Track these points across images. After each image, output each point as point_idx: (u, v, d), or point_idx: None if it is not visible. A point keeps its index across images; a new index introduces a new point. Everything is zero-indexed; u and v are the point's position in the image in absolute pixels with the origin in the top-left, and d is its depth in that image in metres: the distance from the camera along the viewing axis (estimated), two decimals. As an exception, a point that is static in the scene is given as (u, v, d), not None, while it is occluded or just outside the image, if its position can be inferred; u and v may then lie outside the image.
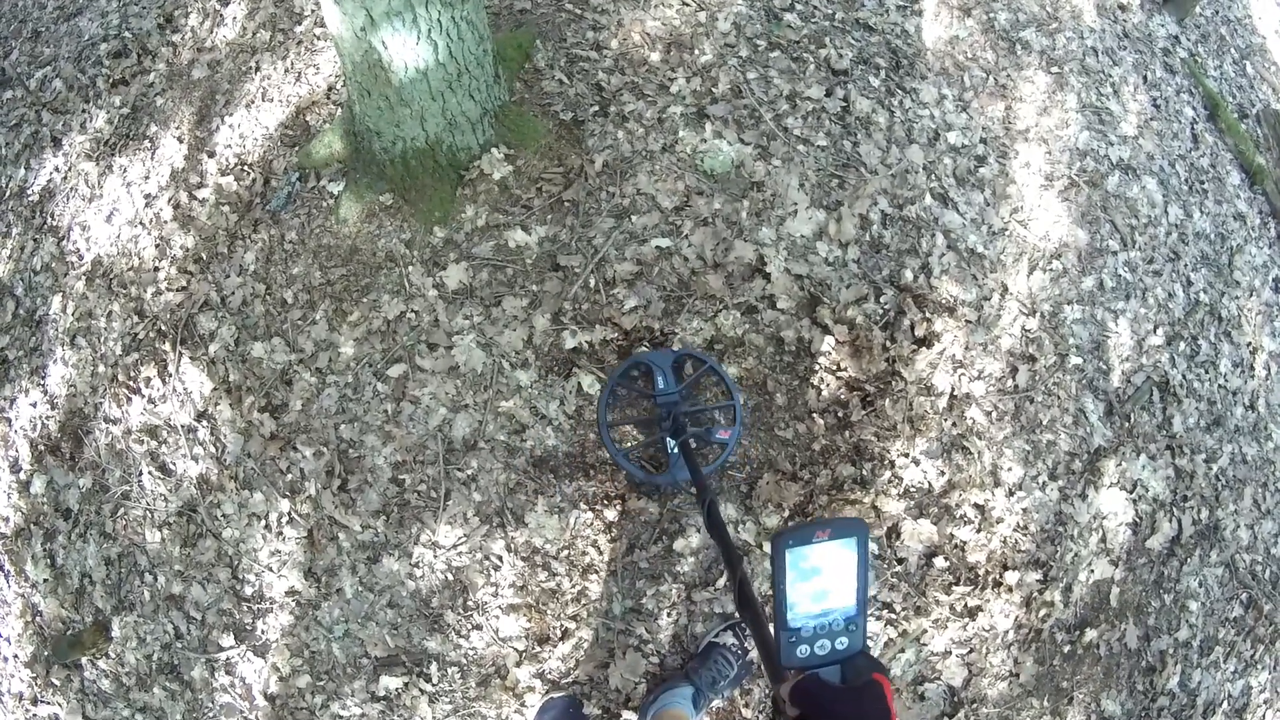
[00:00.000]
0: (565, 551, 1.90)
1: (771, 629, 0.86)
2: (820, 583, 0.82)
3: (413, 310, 1.98)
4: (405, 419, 1.96)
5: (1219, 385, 2.50)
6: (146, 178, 2.36)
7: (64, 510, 2.28)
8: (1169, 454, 2.34)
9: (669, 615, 1.90)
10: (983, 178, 2.28)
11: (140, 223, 2.31)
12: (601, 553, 1.90)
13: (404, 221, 2.02)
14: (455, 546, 1.92)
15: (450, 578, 1.93)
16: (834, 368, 1.97)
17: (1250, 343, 2.62)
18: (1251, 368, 2.61)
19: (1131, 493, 2.26)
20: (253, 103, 2.30)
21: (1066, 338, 2.24)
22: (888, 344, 2.00)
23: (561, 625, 1.90)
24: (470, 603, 1.92)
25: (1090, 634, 2.18)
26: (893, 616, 1.97)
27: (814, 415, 1.95)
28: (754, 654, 1.88)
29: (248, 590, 2.06)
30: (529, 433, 1.92)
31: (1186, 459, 2.37)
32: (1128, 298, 2.38)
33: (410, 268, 2.00)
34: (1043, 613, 2.12)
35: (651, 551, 1.89)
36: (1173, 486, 2.34)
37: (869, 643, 0.82)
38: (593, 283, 1.95)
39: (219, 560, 2.08)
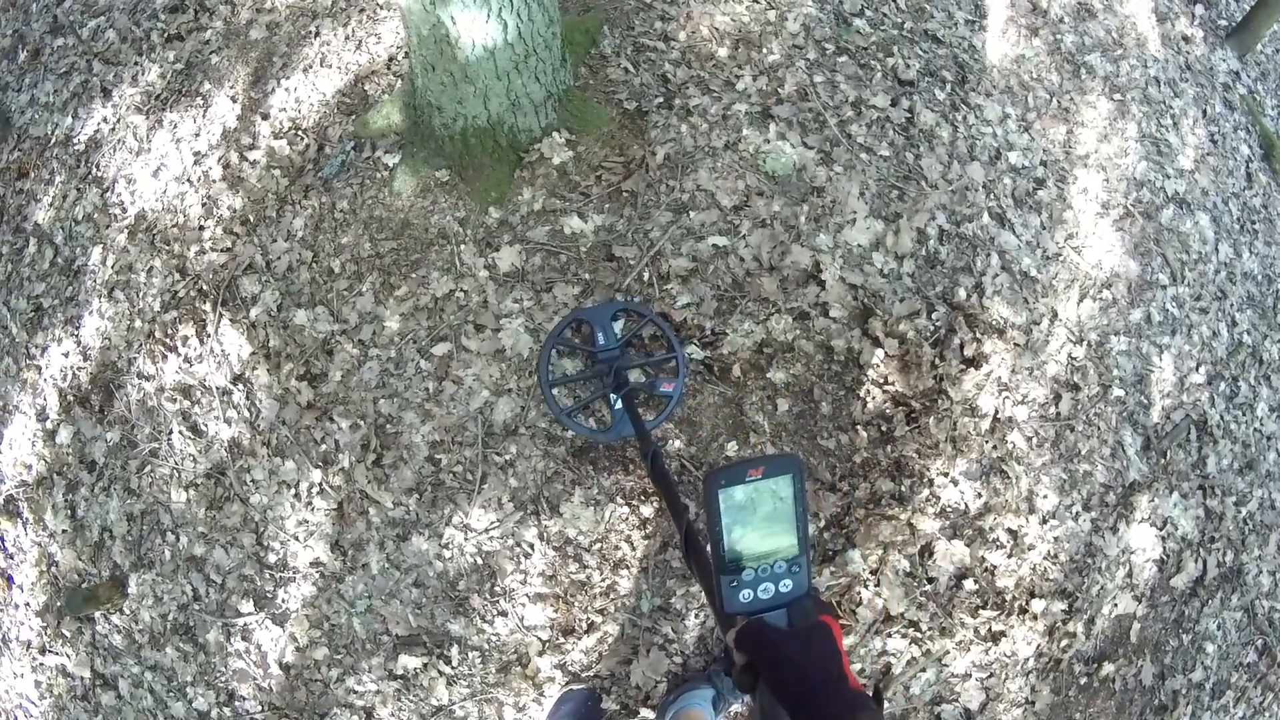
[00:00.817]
0: (598, 544, 1.89)
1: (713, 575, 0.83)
2: (757, 524, 0.78)
3: (462, 289, 1.96)
4: (446, 399, 1.94)
5: (1255, 429, 2.49)
6: (197, 135, 2.33)
7: (89, 462, 2.27)
8: (1201, 494, 2.33)
9: (696, 616, 1.89)
10: (1040, 200, 2.26)
11: (188, 180, 2.28)
12: (634, 548, 1.89)
13: (459, 199, 2.00)
14: (487, 531, 1.91)
15: (479, 561, 1.92)
16: (881, 381, 1.95)
17: (1288, 388, 2.61)
18: (1288, 413, 2.60)
19: (1161, 530, 2.25)
20: (311, 67, 2.27)
21: (1111, 369, 2.22)
22: (937, 361, 1.98)
23: (588, 618, 1.89)
24: (498, 588, 1.91)
25: (1108, 668, 2.17)
26: (918, 635, 1.96)
27: (858, 427, 1.94)
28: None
29: (271, 558, 2.05)
30: (571, 422, 1.90)
31: (1217, 500, 2.35)
32: (1173, 333, 2.36)
33: (462, 246, 1.98)
34: (1064, 643, 2.11)
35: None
36: (1201, 527, 2.33)
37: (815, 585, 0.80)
38: (647, 276, 1.93)
39: (244, 525, 2.07)
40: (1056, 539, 2.09)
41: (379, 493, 1.96)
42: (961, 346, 2.01)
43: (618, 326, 1.87)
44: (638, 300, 1.91)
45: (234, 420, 2.11)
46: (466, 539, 1.92)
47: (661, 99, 2.07)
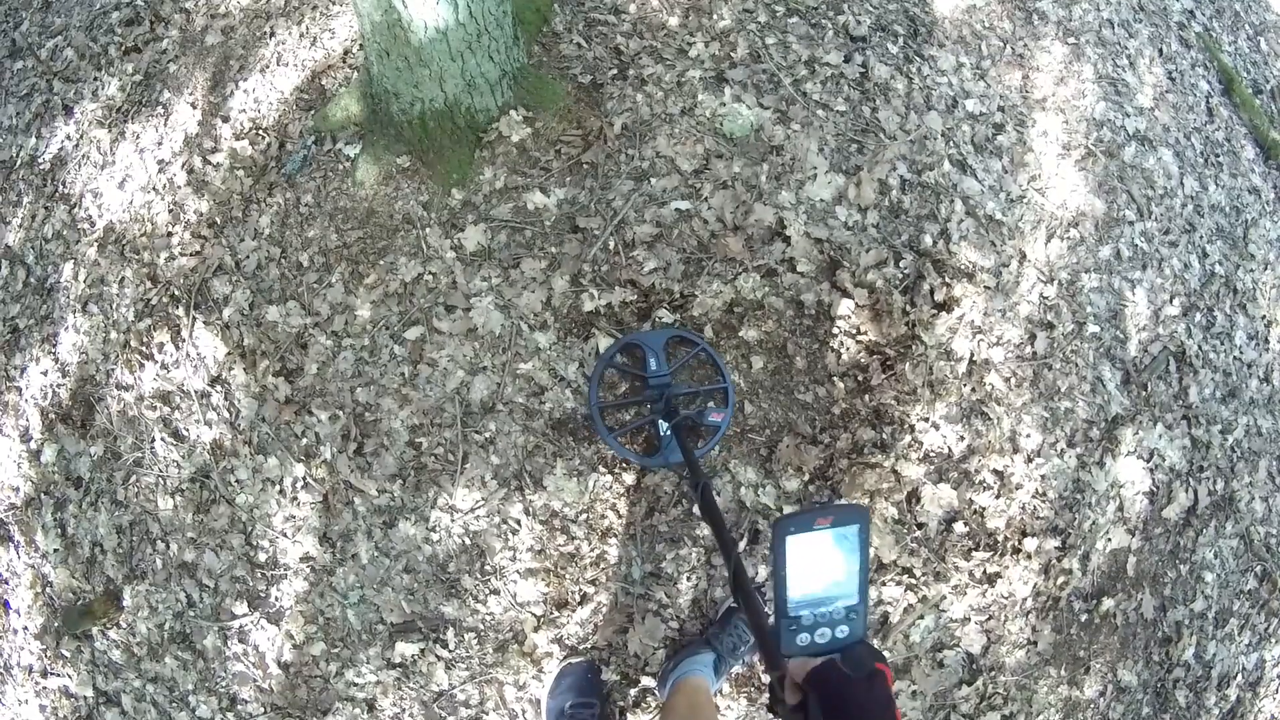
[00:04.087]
0: (584, 515, 1.89)
1: (772, 616, 0.86)
2: (821, 571, 0.81)
3: (430, 272, 1.97)
4: (422, 382, 1.94)
5: (1234, 357, 2.49)
6: (160, 144, 2.34)
7: (75, 479, 2.27)
8: (1185, 424, 2.33)
9: (689, 580, 1.89)
10: (1000, 145, 2.27)
11: (153, 188, 2.29)
12: (621, 516, 1.89)
13: (421, 184, 2.01)
14: (473, 510, 1.91)
15: (468, 542, 1.92)
16: (854, 331, 1.96)
17: (1265, 316, 2.62)
18: (1266, 341, 2.60)
19: (1148, 462, 2.25)
20: (267, 68, 2.28)
21: (1084, 306, 2.23)
22: (908, 308, 1.99)
23: (580, 590, 1.89)
24: (488, 567, 1.91)
25: (1107, 603, 2.17)
26: (913, 582, 1.96)
27: (834, 379, 1.94)
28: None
29: (261, 557, 2.05)
30: (548, 395, 1.90)
31: (1203, 430, 2.36)
32: (1144, 268, 2.37)
33: (428, 230, 1.99)
34: (1061, 580, 2.11)
35: (671, 515, 1.88)
36: (1189, 457, 2.33)
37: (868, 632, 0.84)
38: (612, 245, 1.94)
39: (232, 526, 2.07)
40: (1043, 477, 2.09)
41: (363, 481, 1.96)
42: (932, 292, 2.02)
43: (669, 353, 1.87)
44: (689, 329, 1.91)
45: (214, 422, 2.11)
46: (453, 520, 1.92)
47: (615, 71, 2.08)
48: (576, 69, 2.07)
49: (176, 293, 2.18)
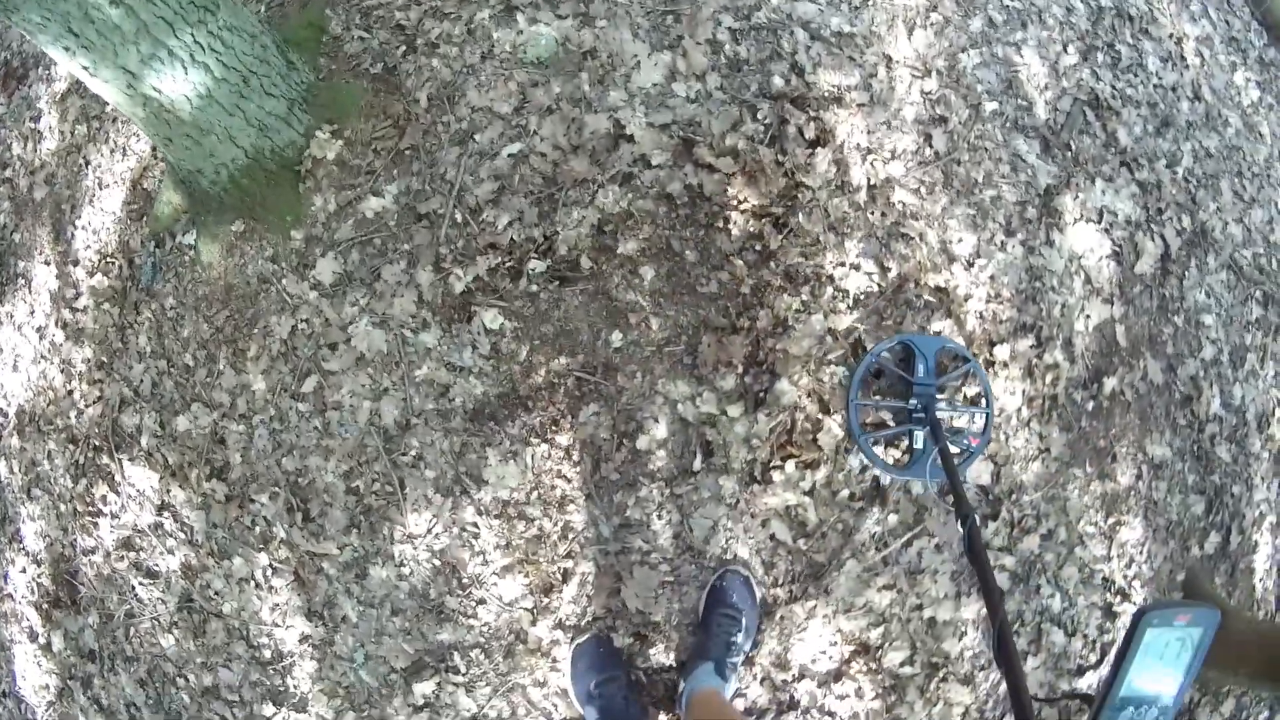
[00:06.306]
0: (534, 493, 1.80)
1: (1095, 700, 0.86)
2: (1158, 668, 0.82)
3: (302, 320, 1.91)
4: (336, 427, 1.88)
5: (1154, 85, 2.29)
6: (32, 313, 2.34)
7: (87, 653, 2.27)
8: (1126, 171, 2.15)
9: (659, 517, 1.79)
10: (823, -38, 2.11)
11: (41, 357, 2.29)
12: (569, 480, 1.80)
13: (262, 240, 1.95)
14: (429, 531, 1.84)
15: (437, 563, 1.85)
16: (734, 203, 1.83)
17: (1172, 34, 2.40)
18: (1183, 58, 2.39)
19: (1100, 222, 2.07)
20: (94, 196, 2.26)
21: (974, 86, 2.06)
22: (780, 159, 1.85)
23: (559, 568, 1.80)
24: (465, 580, 1.84)
25: (1110, 382, 2.00)
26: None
27: (731, 259, 1.82)
28: (758, 596, 1.76)
29: (266, 654, 2.01)
30: (454, 390, 1.82)
31: (1146, 170, 2.17)
32: (1024, 26, 2.18)
33: (284, 280, 1.92)
34: (1049, 377, 1.95)
35: (617, 460, 1.78)
36: (1142, 203, 2.14)
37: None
38: (459, 217, 1.85)
39: (231, 637, 2.04)
40: (991, 277, 1.94)
41: (321, 545, 1.91)
42: (800, 132, 1.88)
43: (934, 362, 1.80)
44: (958, 343, 1.86)
45: (175, 547, 2.08)
46: (415, 548, 1.85)
47: (405, 47, 1.99)
48: (367, 62, 1.99)
49: (97, 443, 2.16)
